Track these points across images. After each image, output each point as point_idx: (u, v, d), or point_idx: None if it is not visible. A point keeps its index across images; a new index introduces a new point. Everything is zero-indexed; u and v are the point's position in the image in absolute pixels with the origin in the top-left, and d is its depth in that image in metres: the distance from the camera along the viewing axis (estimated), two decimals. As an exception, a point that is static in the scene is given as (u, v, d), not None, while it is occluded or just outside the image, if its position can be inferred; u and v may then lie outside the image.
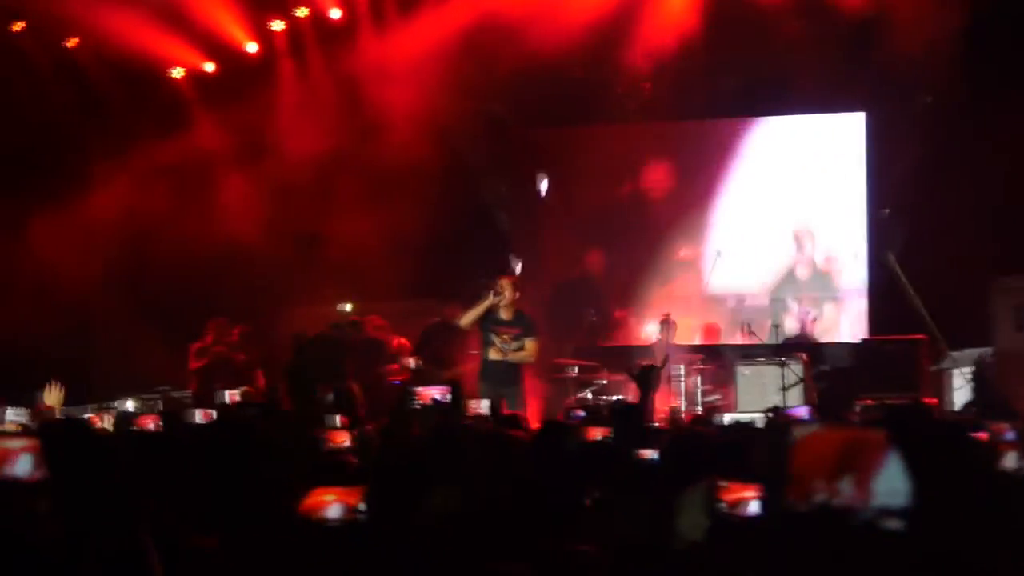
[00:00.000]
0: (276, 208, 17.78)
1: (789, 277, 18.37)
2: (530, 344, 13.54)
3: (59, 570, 3.67)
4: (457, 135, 18.18)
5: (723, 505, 4.65)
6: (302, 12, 18.60)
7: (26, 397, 9.60)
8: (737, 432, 8.54)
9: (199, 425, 9.18)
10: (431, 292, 17.15)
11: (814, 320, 17.64)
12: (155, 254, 17.58)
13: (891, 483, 3.30)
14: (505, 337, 13.46)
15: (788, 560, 3.33)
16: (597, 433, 7.48)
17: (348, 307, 16.66)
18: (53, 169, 17.53)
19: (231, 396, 12.51)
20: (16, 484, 3.85)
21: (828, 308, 18.25)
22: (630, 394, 14.75)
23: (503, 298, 13.45)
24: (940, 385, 16.16)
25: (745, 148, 18.64)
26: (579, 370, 16.81)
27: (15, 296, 16.43)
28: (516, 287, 13.60)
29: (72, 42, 17.89)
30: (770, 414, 9.01)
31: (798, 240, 18.29)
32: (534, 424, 9.86)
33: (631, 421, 8.05)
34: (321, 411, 9.27)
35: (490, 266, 16.09)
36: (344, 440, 7.88)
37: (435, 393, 7.85)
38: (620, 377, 16.13)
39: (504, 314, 13.51)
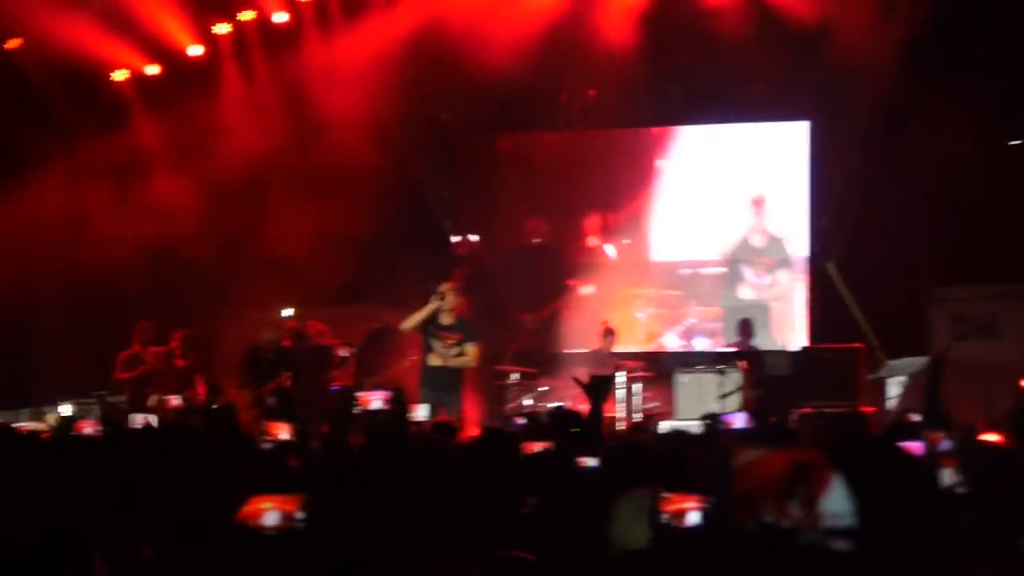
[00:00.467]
0: (216, 211, 17.68)
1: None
2: (471, 349, 13.65)
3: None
4: (401, 139, 18.19)
5: (665, 515, 4.69)
6: (247, 16, 18.52)
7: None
8: (675, 440, 8.61)
9: (139, 430, 9.13)
10: (372, 296, 17.14)
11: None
12: (92, 257, 17.41)
13: (837, 504, 3.35)
14: (448, 342, 13.53)
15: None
16: (536, 447, 7.52)
17: (290, 312, 16.62)
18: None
19: (170, 401, 12.47)
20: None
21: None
22: (570, 400, 14.81)
23: (446, 303, 13.53)
24: (877, 394, 16.29)
25: (689, 155, 18.73)
26: (520, 376, 16.82)
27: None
28: (458, 292, 13.66)
29: (14, 43, 17.74)
30: (707, 421, 9.05)
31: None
32: (474, 431, 9.89)
33: (581, 429, 8.09)
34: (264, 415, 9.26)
35: (433, 270, 16.12)
36: (283, 432, 7.86)
37: (376, 399, 7.85)
38: (560, 383, 16.17)
39: (446, 319, 13.63)
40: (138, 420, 9.83)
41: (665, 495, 4.76)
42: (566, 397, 15.39)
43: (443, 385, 13.42)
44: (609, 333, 16.77)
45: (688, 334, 18.32)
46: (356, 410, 7.78)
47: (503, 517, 5.70)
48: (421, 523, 5.34)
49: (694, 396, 15.39)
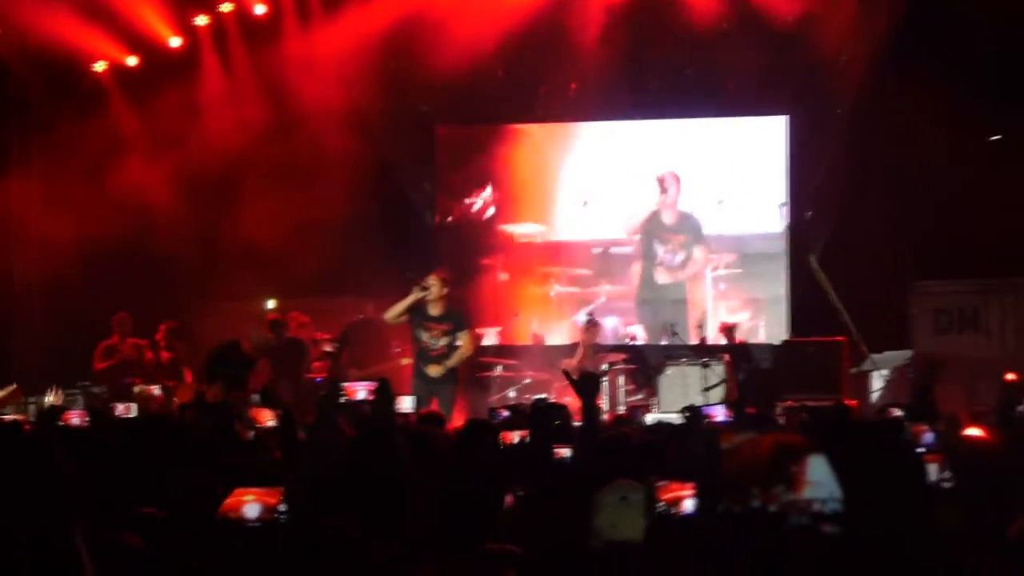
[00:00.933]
0: (195, 202, 17.63)
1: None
2: (464, 338, 13.47)
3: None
4: (380, 131, 18.16)
5: (661, 504, 4.68)
6: (227, 7, 18.49)
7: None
8: (658, 432, 8.62)
9: (126, 420, 9.13)
10: (353, 287, 17.12)
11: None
12: (72, 247, 17.32)
13: (824, 490, 3.34)
14: (435, 332, 13.38)
15: (724, 560, 3.37)
16: (516, 436, 7.52)
17: (272, 303, 16.57)
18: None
19: (151, 391, 12.41)
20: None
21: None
22: (554, 393, 14.81)
23: (430, 293, 13.33)
24: (860, 387, 16.33)
25: (667, 149, 18.72)
26: (503, 368, 16.82)
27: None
28: (445, 283, 13.50)
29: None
30: (687, 413, 9.04)
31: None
32: (459, 423, 9.87)
33: (562, 422, 8.09)
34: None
35: (412, 261, 16.12)
36: (268, 419, 7.83)
37: (362, 390, 7.81)
38: (545, 376, 16.17)
39: (433, 310, 13.39)
40: (119, 409, 9.82)
41: (661, 483, 4.74)
42: (550, 389, 15.43)
43: (437, 377, 13.33)
44: (592, 325, 16.74)
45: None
46: (342, 400, 7.73)
47: (487, 509, 5.68)
48: (404, 516, 5.33)
49: (677, 389, 15.39)
